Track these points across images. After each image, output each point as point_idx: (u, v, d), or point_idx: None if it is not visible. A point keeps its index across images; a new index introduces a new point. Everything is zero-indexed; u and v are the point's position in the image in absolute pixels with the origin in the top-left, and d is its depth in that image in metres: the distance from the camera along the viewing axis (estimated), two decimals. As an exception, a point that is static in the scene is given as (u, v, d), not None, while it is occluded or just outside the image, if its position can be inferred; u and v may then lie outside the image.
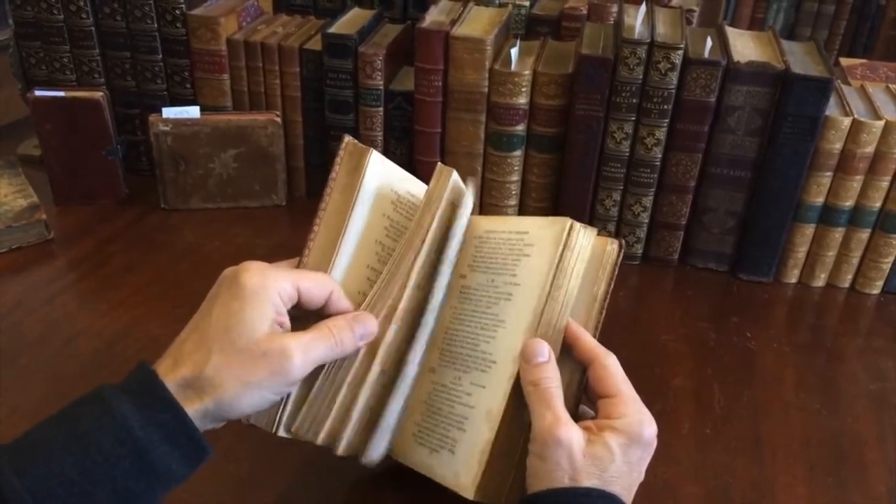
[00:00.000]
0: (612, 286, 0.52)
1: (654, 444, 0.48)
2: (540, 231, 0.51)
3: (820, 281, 0.84)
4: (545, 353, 0.48)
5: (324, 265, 0.49)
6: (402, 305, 0.49)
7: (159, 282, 0.80)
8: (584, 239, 0.50)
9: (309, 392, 0.49)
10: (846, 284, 0.84)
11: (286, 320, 0.46)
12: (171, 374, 0.42)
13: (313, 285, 0.47)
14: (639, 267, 0.87)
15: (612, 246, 0.52)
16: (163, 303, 0.76)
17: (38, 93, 0.86)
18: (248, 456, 0.58)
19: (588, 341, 0.50)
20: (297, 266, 0.50)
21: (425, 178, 0.54)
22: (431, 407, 0.51)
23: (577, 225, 0.50)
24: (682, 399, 0.68)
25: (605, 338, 0.76)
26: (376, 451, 0.51)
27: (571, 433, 0.45)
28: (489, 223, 0.54)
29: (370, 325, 0.48)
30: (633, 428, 0.46)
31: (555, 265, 0.49)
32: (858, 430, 0.66)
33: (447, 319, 0.52)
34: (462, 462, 0.49)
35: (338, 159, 0.50)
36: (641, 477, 0.48)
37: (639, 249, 0.87)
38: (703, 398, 0.68)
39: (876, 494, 0.60)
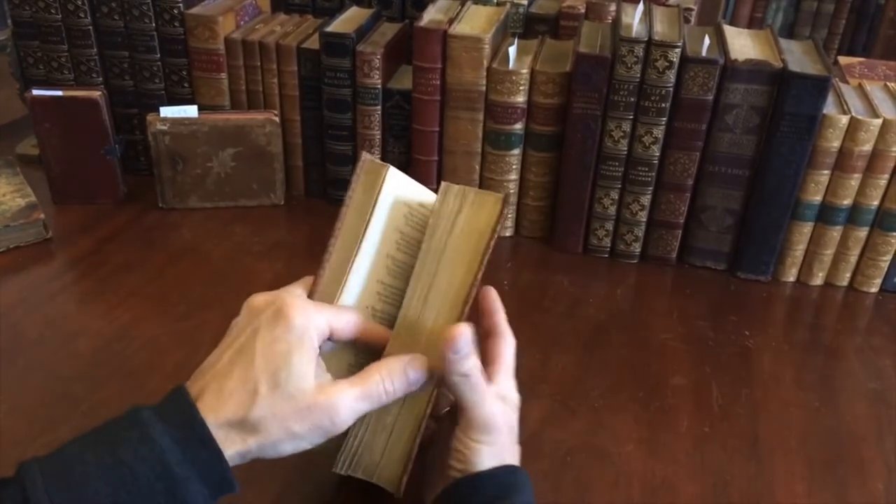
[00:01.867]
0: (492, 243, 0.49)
1: None
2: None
3: (818, 279, 0.84)
4: (469, 340, 0.46)
5: (337, 283, 0.49)
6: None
7: (157, 281, 0.80)
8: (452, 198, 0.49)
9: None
10: (844, 283, 0.84)
11: (321, 362, 0.45)
12: (214, 412, 0.41)
13: (342, 323, 0.46)
14: (637, 266, 0.87)
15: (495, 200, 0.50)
16: (161, 302, 0.76)
17: (36, 92, 0.86)
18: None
19: (502, 318, 0.52)
20: (313, 284, 0.49)
21: (422, 177, 0.53)
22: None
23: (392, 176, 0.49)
24: (681, 397, 0.68)
25: (602, 335, 0.77)
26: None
27: (506, 416, 0.48)
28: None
29: (422, 372, 0.47)
30: (513, 393, 0.50)
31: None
32: (857, 428, 0.66)
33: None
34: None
35: (355, 177, 0.49)
36: None
37: (637, 248, 0.87)
38: (702, 397, 0.68)
39: (874, 492, 0.60)
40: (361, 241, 0.48)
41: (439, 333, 0.46)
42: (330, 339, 0.47)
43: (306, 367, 0.43)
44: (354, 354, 0.50)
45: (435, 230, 0.49)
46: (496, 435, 0.47)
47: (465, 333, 0.45)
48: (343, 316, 0.47)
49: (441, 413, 0.53)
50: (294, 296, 0.45)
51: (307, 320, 0.44)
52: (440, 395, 0.50)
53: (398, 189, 0.50)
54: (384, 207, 0.49)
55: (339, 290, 0.48)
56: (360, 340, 0.48)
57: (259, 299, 0.46)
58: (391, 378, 0.45)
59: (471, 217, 0.49)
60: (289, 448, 0.43)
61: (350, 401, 0.44)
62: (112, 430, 0.41)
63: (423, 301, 0.48)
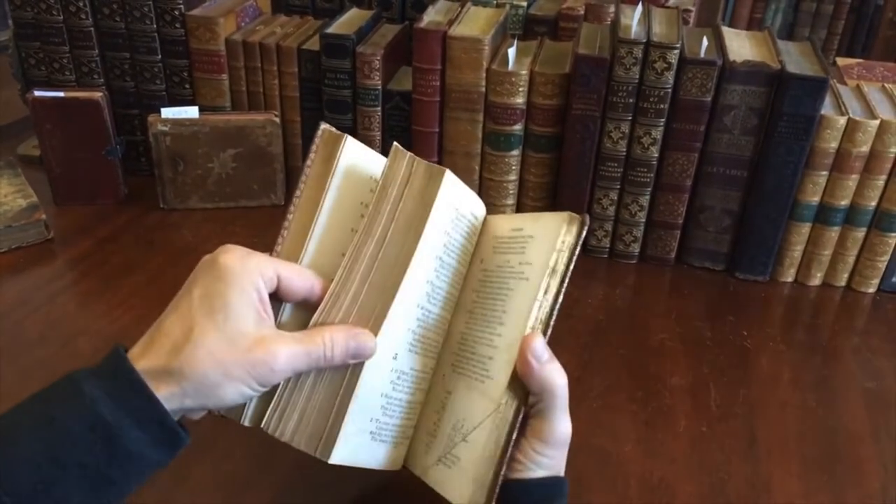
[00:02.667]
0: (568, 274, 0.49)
1: None
2: (542, 230, 0.50)
3: (816, 280, 0.85)
4: (547, 348, 0.46)
5: (296, 253, 0.48)
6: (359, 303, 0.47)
7: (158, 281, 0.80)
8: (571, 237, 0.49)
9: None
10: (842, 283, 0.84)
11: (269, 308, 0.44)
12: (146, 357, 0.41)
13: (295, 276, 0.45)
14: (636, 266, 0.88)
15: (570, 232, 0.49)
16: (162, 302, 0.75)
17: (37, 93, 0.87)
18: (245, 456, 0.59)
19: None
20: (271, 254, 0.48)
21: None
22: (444, 416, 0.50)
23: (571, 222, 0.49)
24: (679, 397, 0.68)
25: (601, 335, 0.77)
26: (338, 451, 0.47)
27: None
28: (496, 229, 0.53)
29: (369, 346, 0.46)
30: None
31: (550, 265, 0.48)
32: (854, 427, 0.66)
33: (459, 326, 0.51)
34: (469, 478, 0.47)
35: (313, 147, 0.49)
36: None
37: (636, 248, 0.87)
38: (700, 396, 0.68)
39: (870, 491, 0.60)
40: (320, 211, 0.48)
41: (367, 303, 0.46)
42: (279, 294, 0.45)
43: (245, 310, 0.42)
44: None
45: (384, 195, 0.47)
46: (562, 451, 0.48)
47: (539, 340, 0.46)
48: (293, 267, 0.46)
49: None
50: (237, 246, 0.44)
51: (244, 260, 0.43)
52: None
53: (358, 159, 0.49)
54: (343, 177, 0.48)
55: (299, 259, 0.48)
56: (314, 301, 0.46)
57: (205, 256, 0.44)
58: (334, 343, 0.44)
59: (417, 188, 0.47)
60: (230, 393, 0.41)
61: (290, 353, 0.42)
62: (46, 391, 0.41)
63: (360, 269, 0.47)
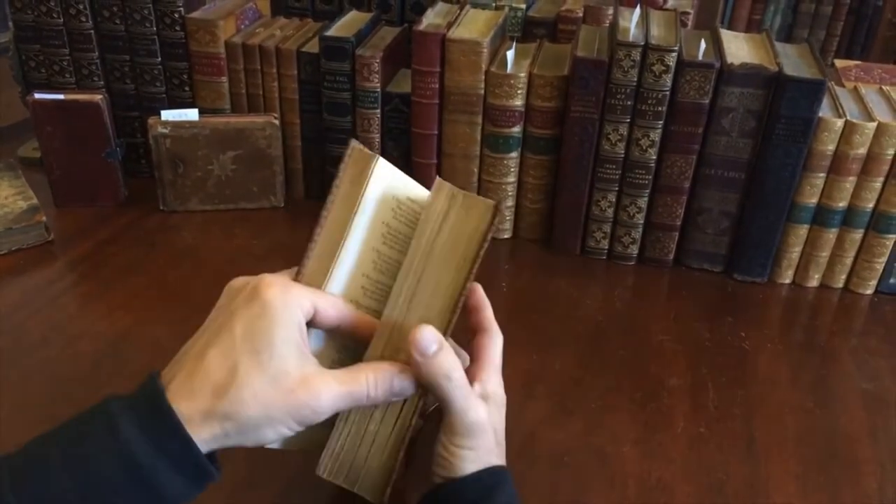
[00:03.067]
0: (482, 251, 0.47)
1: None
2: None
3: (814, 281, 0.85)
4: (436, 339, 0.44)
5: (321, 274, 0.47)
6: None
7: (159, 283, 0.81)
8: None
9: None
10: (840, 285, 0.85)
11: (307, 343, 0.44)
12: (188, 398, 0.40)
13: (329, 306, 0.45)
14: (634, 267, 0.88)
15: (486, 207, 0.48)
16: (162, 304, 0.77)
17: (37, 96, 0.87)
18: (245, 458, 0.59)
19: (489, 314, 0.50)
20: (296, 275, 0.47)
21: (421, 180, 0.52)
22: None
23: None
24: (677, 398, 0.69)
25: (599, 336, 0.77)
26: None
27: (491, 416, 0.47)
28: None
29: (409, 384, 0.45)
30: (499, 390, 0.48)
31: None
32: (851, 428, 0.66)
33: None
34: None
35: (342, 166, 0.47)
36: None
37: (634, 250, 0.87)
38: (698, 397, 0.69)
39: (868, 492, 0.60)
40: (348, 233, 0.47)
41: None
42: (312, 324, 0.45)
43: (289, 348, 0.41)
44: (337, 351, 0.49)
45: (424, 229, 0.47)
46: (482, 439, 0.46)
47: (426, 333, 0.44)
48: (328, 298, 0.45)
49: (428, 411, 0.52)
50: (274, 275, 0.44)
51: (288, 296, 0.42)
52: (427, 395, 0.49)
53: (387, 181, 0.48)
54: (372, 199, 0.47)
55: (325, 281, 0.47)
56: (344, 330, 0.46)
57: (239, 281, 0.44)
58: (377, 383, 0.44)
59: (459, 221, 0.47)
60: (269, 434, 0.41)
61: (333, 394, 0.42)
62: (79, 422, 0.40)
63: (407, 302, 0.46)
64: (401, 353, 0.46)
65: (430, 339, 0.44)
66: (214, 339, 0.41)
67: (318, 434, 0.47)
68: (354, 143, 0.48)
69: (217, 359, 0.41)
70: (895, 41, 1.79)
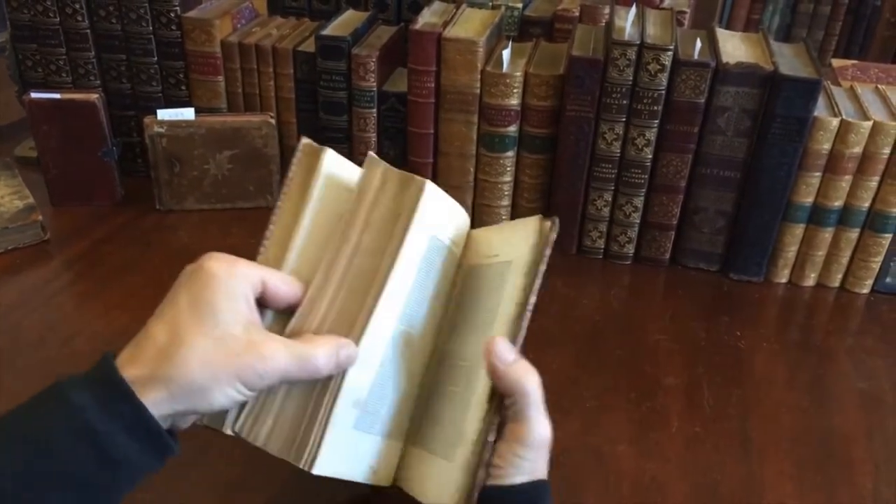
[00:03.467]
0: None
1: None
2: (516, 244, 0.51)
3: (810, 280, 0.85)
4: (511, 348, 0.47)
5: (278, 261, 0.49)
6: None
7: (155, 282, 0.80)
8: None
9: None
10: (836, 284, 0.85)
11: (256, 313, 0.44)
12: (133, 365, 0.40)
13: (280, 282, 0.46)
14: (630, 267, 0.88)
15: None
16: (158, 303, 0.76)
17: (34, 95, 0.87)
18: (241, 459, 0.59)
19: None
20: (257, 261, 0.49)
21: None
22: (433, 417, 0.51)
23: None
24: (672, 397, 0.69)
25: (596, 336, 0.77)
26: (319, 461, 0.47)
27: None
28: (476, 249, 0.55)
29: (353, 355, 0.46)
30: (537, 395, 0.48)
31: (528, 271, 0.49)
32: (847, 427, 0.66)
33: (444, 342, 0.53)
34: (452, 473, 0.48)
35: (295, 160, 0.50)
36: None
37: (630, 250, 0.87)
38: (693, 397, 0.69)
39: (863, 492, 0.60)
40: (301, 221, 0.49)
41: (345, 309, 0.47)
42: (266, 302, 0.46)
43: (234, 315, 0.42)
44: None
45: (360, 202, 0.49)
46: (540, 453, 0.47)
47: (502, 342, 0.46)
48: (278, 274, 0.46)
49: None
50: (222, 253, 0.44)
51: (234, 269, 0.43)
52: None
53: (337, 171, 0.51)
54: (324, 188, 0.50)
55: (282, 266, 0.49)
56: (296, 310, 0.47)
57: (191, 265, 0.45)
58: (325, 354, 0.44)
59: (394, 196, 0.48)
60: (219, 398, 0.41)
61: (281, 358, 0.42)
62: (33, 400, 0.40)
63: (336, 276, 0.48)
64: (329, 324, 0.47)
65: (506, 348, 0.46)
66: (160, 311, 0.43)
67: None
68: (304, 140, 0.51)
69: (161, 327, 0.42)
70: (893, 41, 1.79)
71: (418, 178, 0.49)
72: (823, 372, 0.73)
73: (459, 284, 0.54)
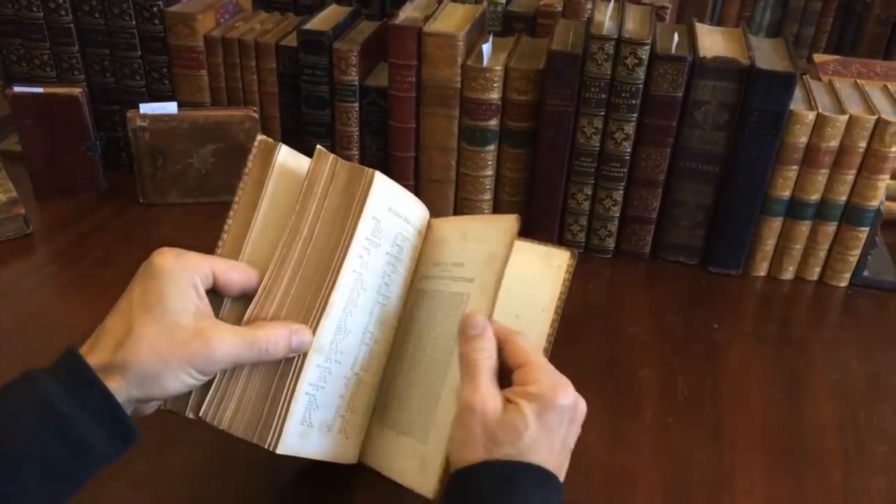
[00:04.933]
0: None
1: (576, 409, 0.47)
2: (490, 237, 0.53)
3: (788, 274, 0.85)
4: (479, 325, 0.48)
5: (236, 253, 0.51)
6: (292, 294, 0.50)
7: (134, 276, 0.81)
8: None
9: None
10: (814, 277, 0.85)
11: (206, 303, 0.46)
12: (91, 355, 0.43)
13: (231, 270, 0.47)
14: (611, 260, 0.89)
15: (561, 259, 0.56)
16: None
17: (17, 89, 0.87)
18: (217, 444, 0.59)
19: (498, 325, 0.50)
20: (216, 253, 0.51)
21: (399, 173, 0.55)
22: (402, 397, 0.54)
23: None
24: (646, 389, 0.69)
25: (573, 328, 0.77)
26: (283, 441, 0.48)
27: (486, 402, 0.45)
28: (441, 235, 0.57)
29: (307, 341, 0.48)
30: (545, 392, 0.45)
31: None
32: (818, 419, 0.67)
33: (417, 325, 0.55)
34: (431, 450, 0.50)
35: (251, 156, 0.52)
36: (569, 445, 0.48)
37: (611, 243, 0.88)
38: (667, 388, 0.69)
39: (833, 482, 0.61)
40: (257, 214, 0.51)
41: (299, 295, 0.49)
42: (220, 290, 0.47)
43: (182, 304, 0.44)
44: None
45: (309, 193, 0.51)
46: (467, 422, 0.45)
47: (473, 317, 0.48)
48: (228, 262, 0.48)
49: None
50: (171, 248, 0.46)
51: (178, 260, 0.45)
52: None
53: (291, 164, 0.52)
54: (280, 182, 0.52)
55: (240, 256, 0.51)
56: (252, 296, 0.49)
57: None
58: (277, 339, 0.46)
59: (341, 185, 0.51)
60: (173, 383, 0.43)
61: (229, 344, 0.44)
62: (2, 389, 0.42)
63: (290, 264, 0.49)
64: (285, 311, 0.49)
65: (476, 322, 0.48)
66: (116, 305, 0.45)
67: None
68: (260, 136, 0.53)
69: (116, 320, 0.44)
70: (884, 37, 1.79)
71: (368, 168, 0.51)
72: (798, 364, 0.74)
73: (420, 280, 0.56)
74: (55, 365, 0.43)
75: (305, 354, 0.48)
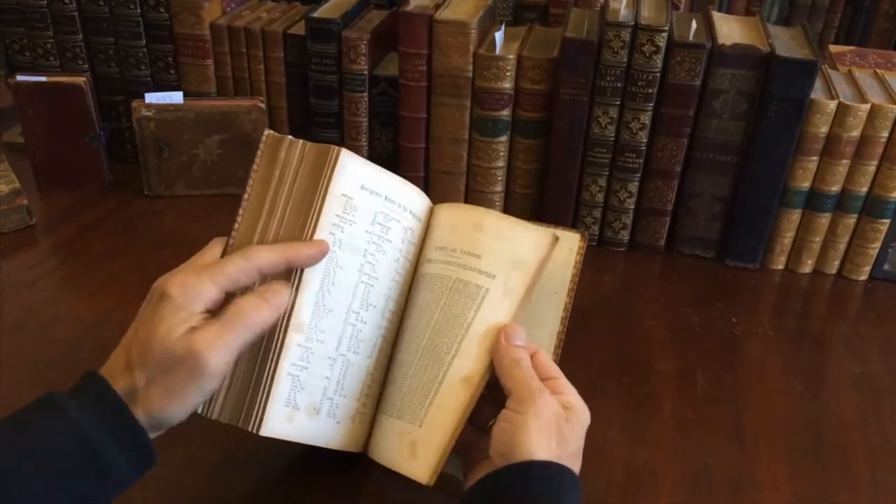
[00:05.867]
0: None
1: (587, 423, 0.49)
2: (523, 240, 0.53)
3: (807, 267, 0.84)
4: (523, 337, 0.50)
5: (251, 231, 0.51)
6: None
7: (140, 268, 0.79)
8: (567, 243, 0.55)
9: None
10: (833, 270, 0.83)
11: (205, 320, 0.45)
12: (113, 383, 0.43)
13: (238, 273, 0.46)
14: (625, 253, 0.87)
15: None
16: (142, 289, 0.73)
17: (20, 78, 0.86)
18: (226, 439, 0.58)
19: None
20: (230, 234, 0.50)
21: (409, 164, 0.55)
22: (396, 380, 0.53)
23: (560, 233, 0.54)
24: (665, 383, 0.67)
25: (588, 322, 0.76)
26: (267, 423, 0.48)
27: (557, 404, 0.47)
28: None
29: (283, 295, 0.47)
30: (579, 406, 0.48)
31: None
32: (841, 413, 0.65)
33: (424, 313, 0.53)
34: (426, 433, 0.49)
35: (259, 152, 0.52)
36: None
37: (625, 236, 0.86)
38: (686, 382, 0.68)
39: (858, 477, 0.59)
40: (265, 208, 0.50)
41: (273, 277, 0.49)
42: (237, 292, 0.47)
43: (171, 331, 0.43)
44: None
45: (283, 173, 0.51)
46: (548, 418, 0.46)
47: (518, 328, 0.50)
48: (234, 269, 0.46)
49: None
50: (181, 273, 0.46)
51: (183, 292, 0.44)
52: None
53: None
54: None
55: (254, 236, 0.50)
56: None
57: (158, 280, 0.47)
58: (255, 307, 0.45)
59: (308, 170, 0.51)
60: (180, 409, 0.44)
61: (211, 340, 0.43)
62: (27, 410, 0.41)
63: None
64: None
65: (520, 333, 0.50)
66: (126, 338, 0.45)
67: None
68: (268, 131, 0.53)
69: (123, 358, 0.44)
70: (893, 32, 1.78)
71: (335, 147, 0.50)
72: (819, 358, 0.72)
73: (423, 265, 0.55)
74: (78, 389, 0.43)
75: (285, 334, 0.48)
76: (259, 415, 0.47)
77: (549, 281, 0.55)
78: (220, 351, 0.43)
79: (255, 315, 0.45)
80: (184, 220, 0.88)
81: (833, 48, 0.99)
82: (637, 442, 0.61)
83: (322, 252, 0.49)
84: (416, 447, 0.49)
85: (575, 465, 0.46)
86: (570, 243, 0.55)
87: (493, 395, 0.50)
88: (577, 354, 0.70)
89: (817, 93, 0.76)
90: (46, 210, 0.88)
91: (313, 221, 0.49)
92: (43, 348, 0.67)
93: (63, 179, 0.90)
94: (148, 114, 0.87)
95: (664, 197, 0.83)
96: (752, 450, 0.61)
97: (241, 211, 0.51)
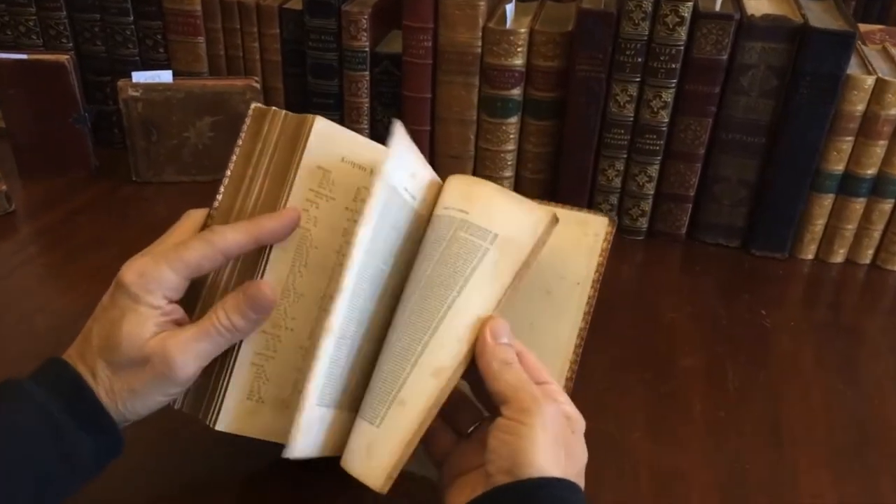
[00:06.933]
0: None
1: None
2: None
3: (839, 256, 0.78)
4: (509, 333, 0.44)
5: (230, 209, 0.47)
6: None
7: (126, 258, 0.73)
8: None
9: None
10: (867, 260, 0.78)
11: (178, 314, 0.44)
12: (77, 364, 0.42)
13: (200, 260, 0.43)
14: (644, 242, 0.82)
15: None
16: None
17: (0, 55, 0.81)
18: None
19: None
20: (204, 225, 0.47)
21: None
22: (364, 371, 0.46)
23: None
24: (692, 380, 0.62)
25: (605, 314, 0.70)
26: (229, 416, 0.45)
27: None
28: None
29: (262, 293, 0.44)
30: (577, 416, 0.44)
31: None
32: (885, 411, 0.60)
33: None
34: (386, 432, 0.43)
35: (244, 126, 0.48)
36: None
37: (644, 223, 0.81)
38: (715, 379, 0.62)
39: (908, 482, 0.54)
40: (244, 184, 0.47)
41: (245, 259, 0.46)
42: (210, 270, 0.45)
43: (138, 328, 0.42)
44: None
45: (262, 151, 0.48)
46: (546, 420, 0.41)
47: (502, 324, 0.43)
48: (196, 253, 0.43)
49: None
50: (140, 260, 0.43)
51: (141, 281, 0.42)
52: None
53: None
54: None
55: (232, 214, 0.47)
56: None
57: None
58: (227, 313, 0.43)
59: (287, 142, 0.47)
60: (142, 406, 0.42)
61: (184, 344, 0.42)
62: None
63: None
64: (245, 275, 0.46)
65: (507, 329, 0.44)
66: (87, 326, 0.44)
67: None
68: (255, 104, 0.49)
69: (84, 348, 0.43)
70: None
71: (312, 115, 0.47)
72: (855, 353, 0.67)
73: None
74: (40, 374, 0.42)
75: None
76: (216, 407, 0.44)
77: (572, 270, 0.49)
78: (190, 357, 0.42)
79: (241, 326, 0.43)
80: (174, 208, 0.80)
81: (862, 27, 0.94)
82: (664, 444, 0.56)
83: (289, 225, 0.45)
84: (372, 448, 0.42)
85: (581, 482, 0.42)
86: (597, 228, 0.49)
87: (477, 397, 0.45)
88: (595, 348, 0.65)
89: (853, 68, 0.71)
90: (28, 196, 0.83)
91: (286, 197, 0.45)
92: (18, 342, 0.62)
93: (46, 164, 0.85)
94: (135, 94, 0.81)
95: (686, 181, 0.78)
96: (792, 452, 0.56)
97: (221, 188, 0.47)
